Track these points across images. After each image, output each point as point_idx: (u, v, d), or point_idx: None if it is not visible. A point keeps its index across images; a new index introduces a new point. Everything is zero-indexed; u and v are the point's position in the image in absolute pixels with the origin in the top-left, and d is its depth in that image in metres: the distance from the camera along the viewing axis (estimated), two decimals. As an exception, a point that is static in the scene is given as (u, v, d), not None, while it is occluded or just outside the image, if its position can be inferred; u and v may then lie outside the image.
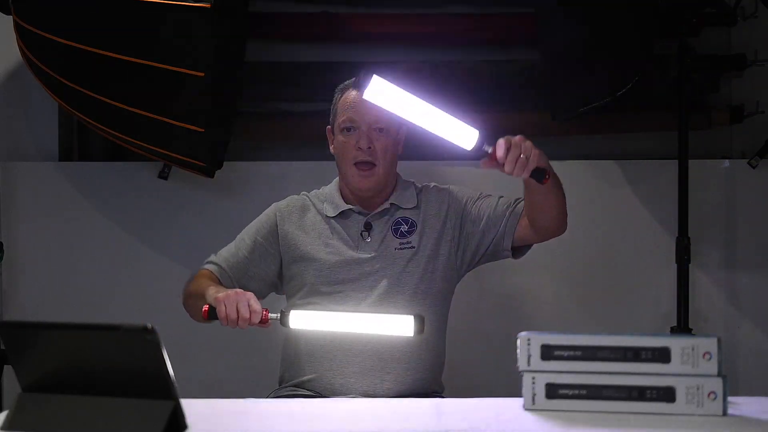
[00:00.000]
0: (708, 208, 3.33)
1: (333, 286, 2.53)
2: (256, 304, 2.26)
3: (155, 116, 2.89)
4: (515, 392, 1.83)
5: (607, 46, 3.11)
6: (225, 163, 3.22)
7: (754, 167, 3.33)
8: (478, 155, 2.21)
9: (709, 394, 1.74)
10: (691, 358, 1.75)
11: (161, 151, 3.03)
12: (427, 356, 2.53)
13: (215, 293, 2.32)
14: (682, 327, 3.12)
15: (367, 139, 2.54)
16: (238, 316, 2.24)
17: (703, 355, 1.74)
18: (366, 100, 2.49)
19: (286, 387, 2.55)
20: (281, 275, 2.62)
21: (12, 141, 3.46)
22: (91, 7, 2.87)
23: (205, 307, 2.31)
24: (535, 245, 2.61)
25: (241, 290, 2.31)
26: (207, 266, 2.60)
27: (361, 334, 2.46)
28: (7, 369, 2.67)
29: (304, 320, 2.24)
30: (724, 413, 1.74)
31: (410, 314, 2.14)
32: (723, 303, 3.35)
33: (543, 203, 2.42)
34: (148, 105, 2.89)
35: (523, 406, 1.80)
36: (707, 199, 3.33)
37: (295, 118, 3.53)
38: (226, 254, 2.61)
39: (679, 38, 3.17)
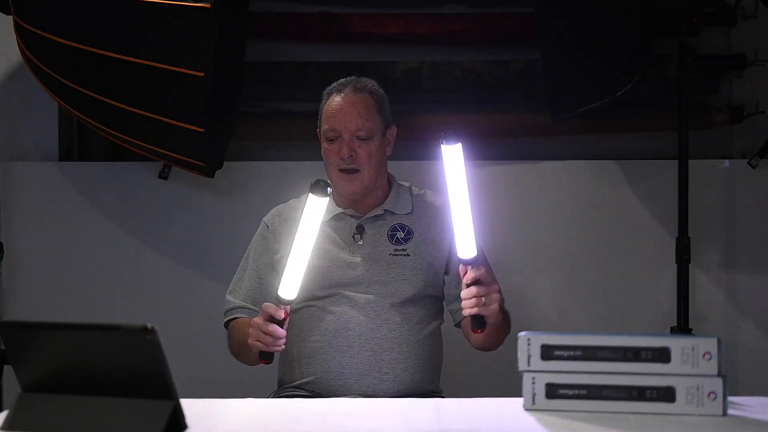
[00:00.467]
0: (708, 208, 3.34)
1: (328, 290, 2.52)
2: (271, 324, 2.31)
3: (155, 116, 2.89)
4: (515, 392, 1.83)
5: (607, 46, 3.11)
6: (225, 163, 3.22)
7: (754, 167, 3.33)
8: (462, 261, 2.25)
9: (709, 394, 1.74)
10: (691, 358, 1.75)
11: (161, 151, 3.03)
12: (425, 356, 2.53)
13: (246, 339, 2.39)
14: (682, 327, 3.12)
15: (348, 148, 2.53)
16: (270, 337, 2.30)
17: (703, 355, 1.74)
18: (348, 108, 2.50)
19: (285, 389, 2.55)
20: None
21: (12, 141, 3.46)
22: (91, 7, 2.87)
23: (260, 361, 2.38)
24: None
25: (253, 320, 2.36)
26: (233, 314, 2.61)
27: (358, 335, 2.47)
28: (7, 369, 2.67)
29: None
30: (724, 413, 1.74)
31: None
32: (723, 303, 3.35)
33: (477, 337, 2.44)
34: (148, 105, 2.89)
35: (523, 406, 1.80)
36: (707, 199, 3.33)
37: (295, 118, 3.53)
38: (240, 291, 2.61)
39: (679, 38, 3.17)
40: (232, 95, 3.34)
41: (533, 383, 1.79)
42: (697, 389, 1.74)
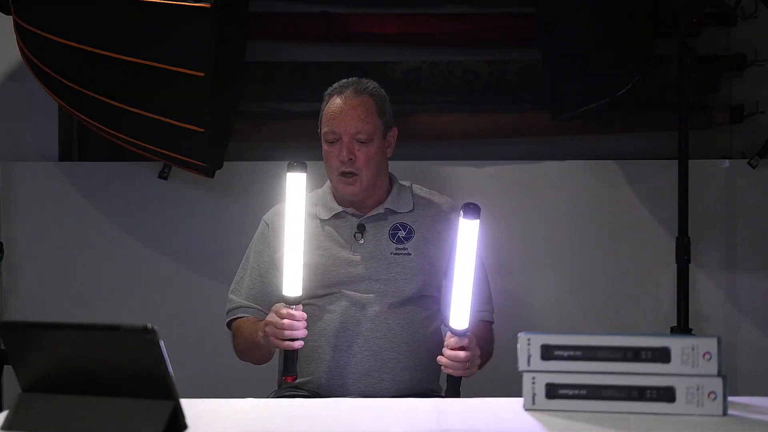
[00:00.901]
0: (708, 208, 3.33)
1: (328, 288, 2.53)
2: (284, 308, 2.33)
3: (155, 116, 2.88)
4: (515, 392, 1.83)
5: (607, 46, 3.11)
6: (225, 163, 3.22)
7: (754, 167, 3.33)
8: (452, 331, 2.32)
9: (709, 394, 1.74)
10: (691, 358, 1.75)
11: (161, 151, 3.03)
12: (424, 356, 2.53)
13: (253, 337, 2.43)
14: (682, 327, 3.12)
15: (347, 151, 2.52)
16: (284, 331, 2.33)
17: (703, 355, 1.74)
18: (349, 111, 2.49)
19: (285, 389, 2.54)
20: None
21: (12, 141, 3.46)
22: (91, 7, 2.87)
23: (289, 378, 2.39)
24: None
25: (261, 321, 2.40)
26: (235, 314, 2.60)
27: (357, 334, 2.46)
28: (7, 369, 2.67)
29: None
30: (724, 413, 1.74)
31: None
32: (723, 303, 3.35)
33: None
34: (148, 105, 2.89)
35: (523, 406, 1.80)
36: (707, 199, 3.33)
37: (295, 118, 3.53)
38: (242, 289, 2.61)
39: (679, 38, 3.17)
40: (232, 95, 3.34)
41: (533, 383, 1.79)
42: (697, 389, 1.74)
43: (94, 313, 3.30)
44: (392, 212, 2.60)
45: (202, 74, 2.78)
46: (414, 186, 2.68)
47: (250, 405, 1.94)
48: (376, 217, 2.59)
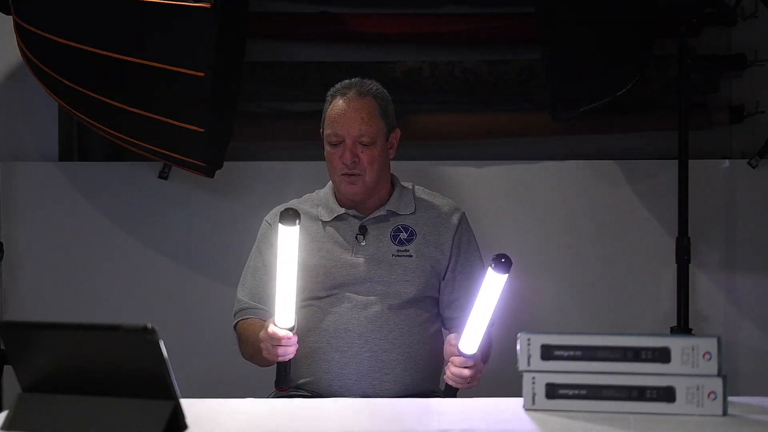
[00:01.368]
0: (708, 208, 3.33)
1: (330, 290, 2.52)
2: (275, 336, 2.31)
3: (155, 116, 2.88)
4: (515, 392, 1.83)
5: (607, 46, 3.11)
6: (225, 163, 3.22)
7: (754, 167, 3.33)
8: (461, 353, 2.33)
9: (709, 394, 1.74)
10: (691, 358, 1.75)
11: (161, 151, 3.03)
12: (425, 357, 2.53)
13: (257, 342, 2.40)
14: (682, 327, 3.12)
15: (351, 154, 2.52)
16: (278, 352, 2.32)
17: (703, 355, 1.75)
18: (352, 113, 2.48)
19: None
20: None
21: (12, 141, 3.46)
22: (91, 7, 2.87)
23: (282, 390, 2.40)
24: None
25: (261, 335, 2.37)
26: (241, 315, 2.59)
27: (358, 335, 2.46)
28: (7, 369, 2.67)
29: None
30: (724, 413, 1.74)
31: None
32: (723, 303, 3.34)
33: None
34: (148, 105, 2.89)
35: (523, 406, 1.80)
36: (707, 199, 3.33)
37: (295, 118, 3.53)
38: (247, 289, 2.61)
39: (679, 38, 3.17)
40: (232, 95, 3.34)
41: (533, 383, 1.79)
42: (697, 389, 1.74)
43: (94, 313, 3.30)
44: (394, 214, 2.60)
45: (202, 74, 2.78)
46: (416, 188, 2.67)
47: (249, 405, 1.94)
48: (377, 219, 2.59)
